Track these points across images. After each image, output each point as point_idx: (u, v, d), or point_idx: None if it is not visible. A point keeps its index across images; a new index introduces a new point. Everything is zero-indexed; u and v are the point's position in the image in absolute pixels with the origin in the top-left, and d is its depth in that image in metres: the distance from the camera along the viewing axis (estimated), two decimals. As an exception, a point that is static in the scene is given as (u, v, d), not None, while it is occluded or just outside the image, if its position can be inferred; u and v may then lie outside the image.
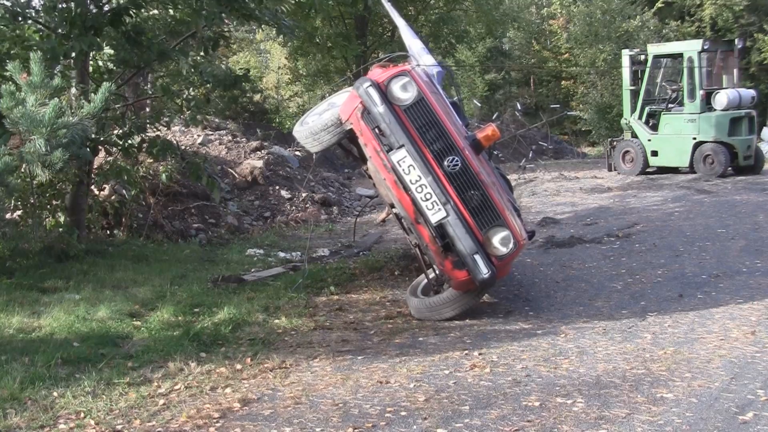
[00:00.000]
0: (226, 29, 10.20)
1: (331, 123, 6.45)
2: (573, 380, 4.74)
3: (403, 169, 5.82)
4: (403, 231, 7.18)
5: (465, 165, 5.88)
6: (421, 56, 7.19)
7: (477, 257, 5.79)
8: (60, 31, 8.35)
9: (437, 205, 5.80)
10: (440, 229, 5.85)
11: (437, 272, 6.66)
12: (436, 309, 6.33)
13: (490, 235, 5.87)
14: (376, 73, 6.32)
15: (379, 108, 5.85)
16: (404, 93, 5.92)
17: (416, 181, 5.80)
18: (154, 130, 10.10)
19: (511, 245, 5.90)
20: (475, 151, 6.16)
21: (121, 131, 9.32)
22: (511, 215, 6.09)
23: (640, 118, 16.04)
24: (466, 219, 5.81)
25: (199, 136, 14.61)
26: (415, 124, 5.88)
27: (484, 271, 5.80)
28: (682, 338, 5.52)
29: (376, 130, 5.91)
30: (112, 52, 9.31)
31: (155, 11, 10.00)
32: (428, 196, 5.80)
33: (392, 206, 6.76)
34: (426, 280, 6.79)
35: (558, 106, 24.57)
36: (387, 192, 6.31)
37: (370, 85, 5.89)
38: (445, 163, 5.85)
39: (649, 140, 15.82)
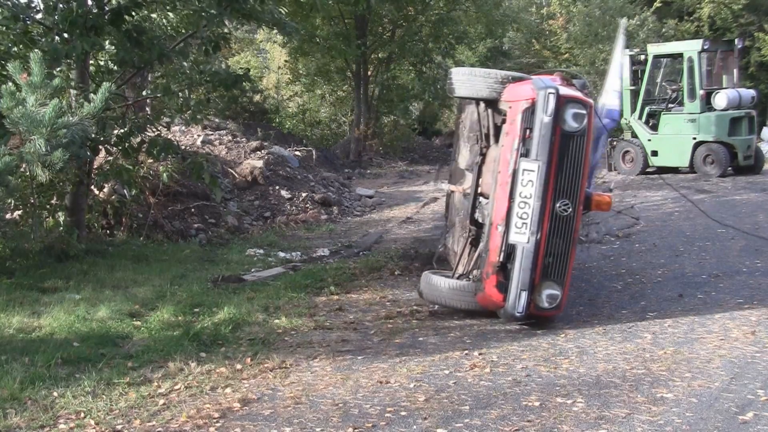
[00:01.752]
0: (226, 30, 10.18)
1: (493, 77, 6.41)
2: (573, 380, 4.74)
3: (522, 180, 5.73)
4: (458, 213, 6.98)
5: (573, 216, 5.80)
6: (609, 96, 7.14)
7: (523, 295, 5.73)
8: (61, 27, 8.34)
9: (526, 228, 5.72)
10: (511, 248, 5.78)
11: (467, 270, 6.60)
12: (445, 292, 6.30)
13: (544, 285, 5.79)
14: (557, 81, 6.19)
15: (546, 118, 5.71)
16: (573, 121, 5.77)
17: (525, 197, 5.72)
18: (155, 130, 10.09)
19: (554, 305, 5.83)
20: (583, 207, 6.11)
21: (121, 131, 9.32)
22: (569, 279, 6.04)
23: (640, 118, 16.04)
24: (538, 258, 5.73)
25: (199, 136, 14.61)
26: (561, 152, 5.75)
27: (520, 309, 5.74)
28: (682, 338, 5.52)
29: (526, 131, 5.80)
30: (114, 51, 9.29)
31: (155, 15, 10.00)
32: (524, 216, 5.72)
33: (481, 196, 6.63)
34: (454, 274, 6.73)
35: None
36: (490, 182, 6.23)
37: (553, 94, 5.73)
38: (559, 203, 5.75)
39: (649, 140, 15.82)
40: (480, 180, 6.72)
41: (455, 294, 6.30)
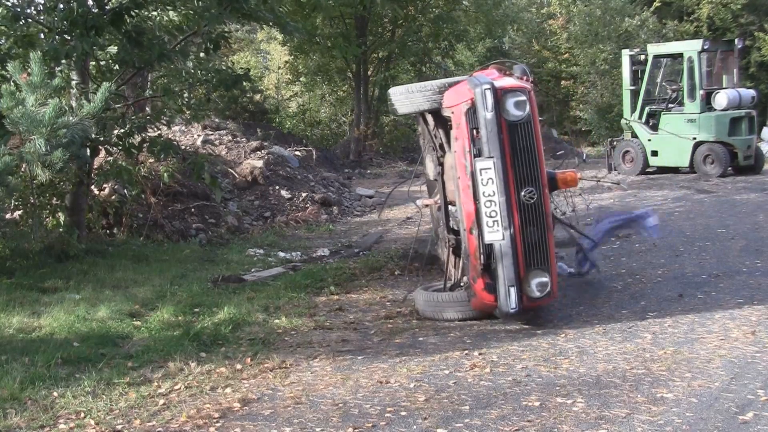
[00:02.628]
0: (227, 30, 10.19)
1: (429, 88, 6.41)
2: (573, 380, 4.74)
3: (482, 179, 5.69)
4: (438, 224, 7.04)
5: (540, 201, 5.77)
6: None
7: (512, 290, 5.69)
8: (62, 27, 8.35)
9: (498, 225, 5.68)
10: (489, 248, 5.76)
11: (456, 279, 6.61)
12: (440, 306, 6.32)
13: (531, 275, 5.76)
14: (494, 75, 6.17)
15: (488, 114, 5.67)
16: (516, 110, 5.74)
17: (489, 195, 5.69)
18: (155, 129, 10.09)
19: (546, 292, 5.81)
20: (549, 189, 6.10)
21: (121, 131, 9.33)
22: (556, 263, 6.02)
23: (640, 118, 16.04)
24: (518, 251, 5.70)
25: (199, 136, 14.61)
26: (512, 143, 5.73)
27: (512, 305, 5.71)
28: (682, 338, 5.52)
29: (474, 132, 5.79)
30: (115, 51, 9.31)
31: (155, 13, 10.00)
32: (493, 214, 5.69)
33: (450, 204, 6.67)
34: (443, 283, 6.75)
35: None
36: (454, 189, 6.23)
37: (489, 89, 5.70)
38: (524, 192, 5.72)
39: (649, 140, 15.82)
40: (445, 189, 6.74)
41: (451, 306, 6.30)
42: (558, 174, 6.34)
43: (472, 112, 5.79)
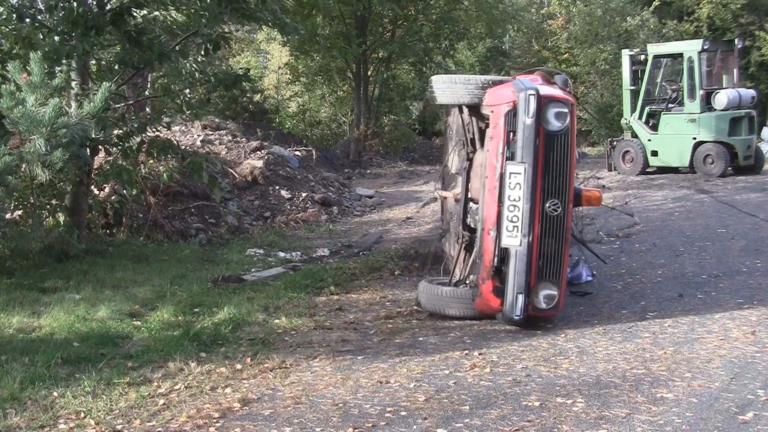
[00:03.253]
0: (227, 30, 10.19)
1: (473, 83, 6.42)
2: (573, 380, 4.74)
3: (510, 183, 5.69)
4: (452, 217, 7.05)
5: (563, 215, 5.77)
6: None
7: (520, 297, 5.70)
8: (60, 29, 8.35)
9: (517, 231, 5.68)
10: (504, 252, 5.77)
11: (463, 276, 6.60)
12: (443, 301, 6.31)
13: (540, 286, 5.77)
14: (538, 81, 6.17)
15: (528, 120, 5.67)
16: (556, 120, 5.74)
17: (514, 200, 5.69)
18: (154, 130, 10.09)
19: (552, 305, 5.82)
20: (573, 204, 6.10)
21: (121, 131, 9.33)
22: (566, 278, 6.02)
23: (640, 118, 16.04)
24: (532, 259, 5.70)
25: (199, 136, 14.61)
26: (546, 153, 5.72)
27: (517, 312, 5.71)
28: (682, 338, 5.52)
29: (510, 135, 5.79)
30: (117, 50, 9.31)
31: (156, 12, 10.01)
32: (515, 219, 5.69)
33: (471, 201, 6.67)
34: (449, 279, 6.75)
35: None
36: (479, 187, 6.24)
37: (533, 95, 5.69)
38: (549, 203, 5.71)
39: (649, 140, 15.83)
40: (469, 185, 6.74)
41: (454, 302, 6.29)
42: (584, 191, 6.35)
43: (512, 114, 5.78)
